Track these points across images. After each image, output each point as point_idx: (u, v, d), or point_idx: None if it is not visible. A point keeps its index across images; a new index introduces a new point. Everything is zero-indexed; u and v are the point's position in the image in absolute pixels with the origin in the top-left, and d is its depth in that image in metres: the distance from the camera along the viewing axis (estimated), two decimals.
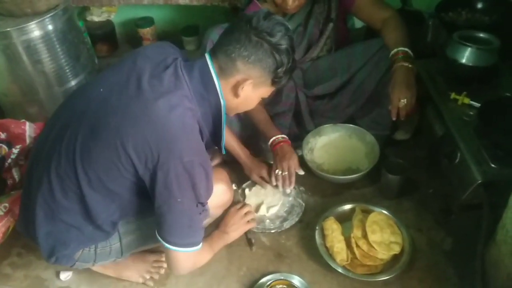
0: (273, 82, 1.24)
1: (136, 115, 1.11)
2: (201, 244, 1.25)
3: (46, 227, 1.26)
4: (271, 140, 1.73)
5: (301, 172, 1.73)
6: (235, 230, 1.56)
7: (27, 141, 1.83)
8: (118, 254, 1.40)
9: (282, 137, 1.73)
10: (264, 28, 1.15)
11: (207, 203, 1.24)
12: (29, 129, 1.85)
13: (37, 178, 1.24)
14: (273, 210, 1.70)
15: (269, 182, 1.73)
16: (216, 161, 1.90)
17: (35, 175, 1.26)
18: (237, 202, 1.67)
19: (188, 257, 1.25)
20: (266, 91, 1.28)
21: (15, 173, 1.76)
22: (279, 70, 1.19)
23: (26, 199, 1.32)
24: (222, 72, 1.19)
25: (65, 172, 1.18)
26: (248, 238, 1.61)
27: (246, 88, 1.21)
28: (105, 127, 1.13)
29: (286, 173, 1.69)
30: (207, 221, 1.48)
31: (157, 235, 1.21)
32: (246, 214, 1.61)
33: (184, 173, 1.12)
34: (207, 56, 1.21)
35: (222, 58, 1.18)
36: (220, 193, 1.45)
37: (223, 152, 1.42)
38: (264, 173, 1.74)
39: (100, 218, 1.25)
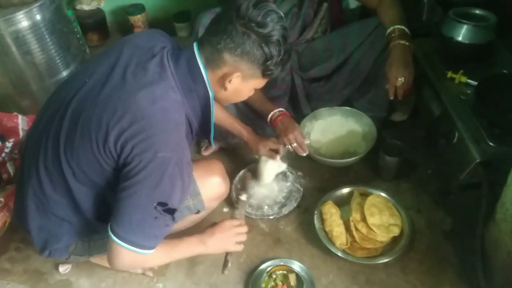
0: (264, 75, 1.17)
1: (117, 107, 1.07)
2: (150, 250, 1.11)
3: (39, 221, 1.25)
4: (269, 116, 1.71)
5: (307, 141, 1.72)
6: (219, 245, 1.31)
7: (20, 134, 1.81)
8: None
9: (280, 111, 1.71)
10: (253, 17, 1.06)
11: (175, 211, 1.11)
12: (22, 122, 1.83)
13: (27, 171, 1.23)
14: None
15: (278, 152, 1.67)
16: (212, 149, 1.89)
17: (26, 168, 1.24)
18: (234, 218, 1.42)
19: (128, 255, 1.10)
20: (257, 83, 1.21)
21: (10, 167, 1.75)
22: (269, 62, 1.12)
23: (19, 192, 1.31)
24: (209, 63, 1.14)
25: (52, 165, 1.16)
26: (225, 259, 1.37)
27: (234, 80, 1.15)
28: (87, 119, 1.10)
29: (295, 144, 1.66)
30: (202, 214, 1.46)
31: (109, 228, 1.09)
32: (239, 233, 1.35)
33: (154, 169, 1.05)
34: (194, 46, 1.15)
35: (208, 49, 1.13)
36: (215, 185, 1.43)
37: (213, 145, 1.36)
38: (271, 144, 1.67)
39: (88, 211, 1.23)
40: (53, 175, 1.17)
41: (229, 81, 1.14)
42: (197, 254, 1.31)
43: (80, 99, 1.14)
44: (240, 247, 1.35)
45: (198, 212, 1.39)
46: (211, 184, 1.41)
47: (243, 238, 1.35)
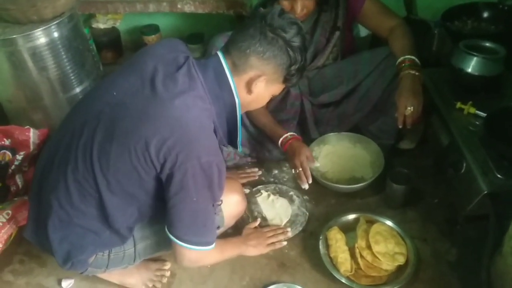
0: (285, 80, 1.24)
1: (153, 117, 1.10)
2: (214, 244, 1.25)
3: (61, 232, 1.24)
4: (280, 140, 1.73)
5: (317, 164, 1.73)
6: (255, 246, 1.54)
7: (31, 147, 1.82)
8: (131, 260, 1.39)
9: (291, 135, 1.73)
10: (279, 25, 1.15)
11: (221, 202, 1.25)
12: (33, 136, 1.85)
13: (51, 184, 1.23)
14: (285, 220, 1.69)
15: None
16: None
17: (49, 181, 1.24)
18: (264, 226, 1.66)
19: (200, 254, 1.25)
20: (277, 88, 1.28)
21: (19, 180, 1.76)
22: (293, 67, 1.20)
23: (37, 205, 1.30)
24: (236, 68, 1.19)
25: (83, 176, 1.17)
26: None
27: (259, 84, 1.21)
28: (123, 130, 1.12)
29: (300, 169, 1.66)
30: (220, 231, 1.47)
31: (169, 233, 1.20)
32: (269, 237, 1.59)
33: (201, 173, 1.12)
34: (219, 54, 1.21)
35: (236, 54, 1.18)
36: (234, 203, 1.45)
37: (240, 150, 1.41)
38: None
39: (117, 222, 1.24)
40: (84, 186, 1.18)
41: (255, 84, 1.20)
42: (239, 254, 1.50)
43: (112, 111, 1.15)
44: (272, 247, 1.58)
45: (218, 228, 1.41)
46: (231, 202, 1.43)
47: (274, 239, 1.59)
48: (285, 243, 1.60)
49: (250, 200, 1.74)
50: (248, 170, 1.90)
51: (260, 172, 1.90)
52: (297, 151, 1.68)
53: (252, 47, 1.16)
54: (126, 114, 1.14)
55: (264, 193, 1.79)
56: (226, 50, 1.21)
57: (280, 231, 1.63)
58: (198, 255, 1.25)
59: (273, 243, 1.58)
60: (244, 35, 1.17)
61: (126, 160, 1.13)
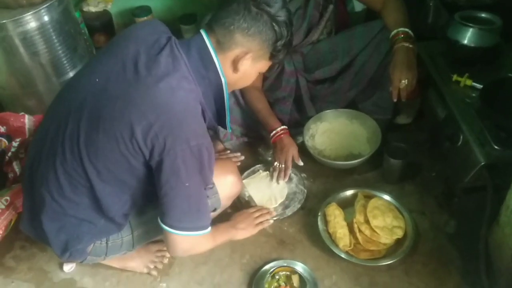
0: (272, 56, 1.21)
1: (138, 102, 1.07)
2: (209, 228, 1.23)
3: (57, 224, 1.24)
4: (271, 133, 1.72)
5: (300, 163, 1.72)
6: (244, 228, 1.52)
7: (27, 134, 1.82)
8: (130, 246, 1.39)
9: (282, 129, 1.72)
10: (263, 0, 1.12)
11: (212, 185, 1.23)
12: (28, 122, 1.85)
13: (41, 177, 1.21)
14: (280, 200, 1.70)
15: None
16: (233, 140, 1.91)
17: (38, 174, 1.23)
18: (250, 206, 1.66)
19: (194, 241, 1.22)
20: (264, 65, 1.26)
21: (16, 167, 1.76)
22: (279, 42, 1.17)
23: (30, 198, 1.30)
24: (220, 46, 1.16)
25: (72, 168, 1.16)
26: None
27: (245, 62, 1.18)
28: (108, 117, 1.09)
29: (283, 166, 1.68)
30: (217, 212, 1.48)
31: (163, 224, 1.17)
32: (257, 217, 1.58)
33: (192, 157, 1.09)
34: (202, 32, 1.17)
35: (220, 32, 1.15)
36: (229, 184, 1.44)
37: (229, 130, 1.39)
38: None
39: (111, 210, 1.24)
40: (73, 177, 1.17)
41: (241, 63, 1.17)
42: (230, 238, 1.48)
43: (95, 99, 1.12)
44: (260, 227, 1.56)
45: (214, 210, 1.41)
46: (226, 183, 1.42)
47: (262, 219, 1.58)
48: (271, 221, 1.60)
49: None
50: (231, 155, 1.87)
51: (242, 157, 1.88)
52: (286, 148, 1.68)
53: (236, 23, 1.12)
54: (109, 100, 1.10)
55: (263, 173, 1.78)
56: (209, 28, 1.17)
57: (265, 211, 1.62)
58: (192, 242, 1.22)
59: (261, 222, 1.57)
60: (228, 11, 1.13)
61: (114, 148, 1.11)
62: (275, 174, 1.70)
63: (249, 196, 1.71)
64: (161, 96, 1.07)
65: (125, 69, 1.11)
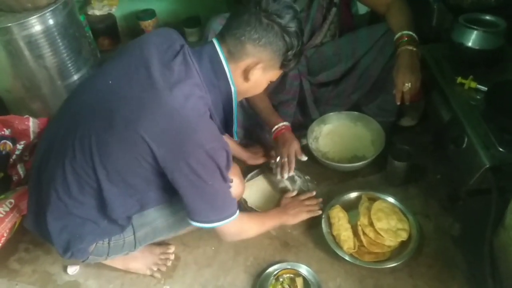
0: (282, 65, 1.22)
1: (151, 107, 1.08)
2: (237, 211, 1.27)
3: (60, 222, 1.24)
4: (273, 129, 1.72)
5: (304, 158, 1.71)
6: (294, 215, 1.56)
7: (31, 136, 1.82)
8: (131, 247, 1.39)
9: (284, 125, 1.72)
10: (274, 11, 1.13)
11: (232, 181, 1.28)
12: (33, 125, 1.85)
13: (49, 175, 1.22)
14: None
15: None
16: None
17: (47, 172, 1.23)
18: (301, 192, 1.70)
19: (232, 225, 1.27)
20: (274, 74, 1.27)
21: (20, 169, 1.76)
22: (289, 52, 1.18)
23: (36, 196, 1.30)
24: (232, 56, 1.17)
25: (81, 167, 1.16)
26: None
27: (256, 71, 1.19)
28: (121, 120, 1.10)
29: (286, 159, 1.68)
30: None
31: (196, 222, 1.22)
32: (307, 205, 1.61)
33: (208, 159, 1.11)
34: (215, 41, 1.18)
35: (231, 42, 1.16)
36: (233, 186, 1.44)
37: (236, 138, 1.40)
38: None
39: (116, 212, 1.24)
40: (82, 177, 1.17)
41: (252, 72, 1.18)
42: (280, 223, 1.54)
43: (107, 101, 1.13)
44: (312, 214, 1.60)
45: None
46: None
47: (312, 202, 1.64)
48: (320, 211, 1.61)
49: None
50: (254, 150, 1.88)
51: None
52: (288, 142, 1.69)
53: (247, 34, 1.13)
54: (123, 103, 1.11)
55: (265, 176, 1.78)
56: (221, 37, 1.19)
57: (315, 200, 1.65)
58: (236, 227, 1.30)
59: (311, 210, 1.60)
60: (239, 22, 1.15)
61: (126, 150, 1.11)
62: (279, 169, 1.70)
63: (287, 184, 1.74)
64: (174, 103, 1.08)
65: (138, 73, 1.12)
